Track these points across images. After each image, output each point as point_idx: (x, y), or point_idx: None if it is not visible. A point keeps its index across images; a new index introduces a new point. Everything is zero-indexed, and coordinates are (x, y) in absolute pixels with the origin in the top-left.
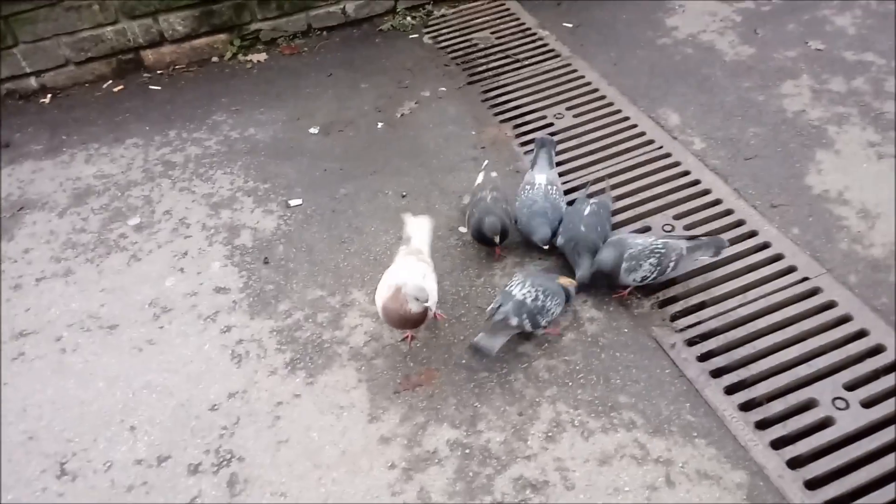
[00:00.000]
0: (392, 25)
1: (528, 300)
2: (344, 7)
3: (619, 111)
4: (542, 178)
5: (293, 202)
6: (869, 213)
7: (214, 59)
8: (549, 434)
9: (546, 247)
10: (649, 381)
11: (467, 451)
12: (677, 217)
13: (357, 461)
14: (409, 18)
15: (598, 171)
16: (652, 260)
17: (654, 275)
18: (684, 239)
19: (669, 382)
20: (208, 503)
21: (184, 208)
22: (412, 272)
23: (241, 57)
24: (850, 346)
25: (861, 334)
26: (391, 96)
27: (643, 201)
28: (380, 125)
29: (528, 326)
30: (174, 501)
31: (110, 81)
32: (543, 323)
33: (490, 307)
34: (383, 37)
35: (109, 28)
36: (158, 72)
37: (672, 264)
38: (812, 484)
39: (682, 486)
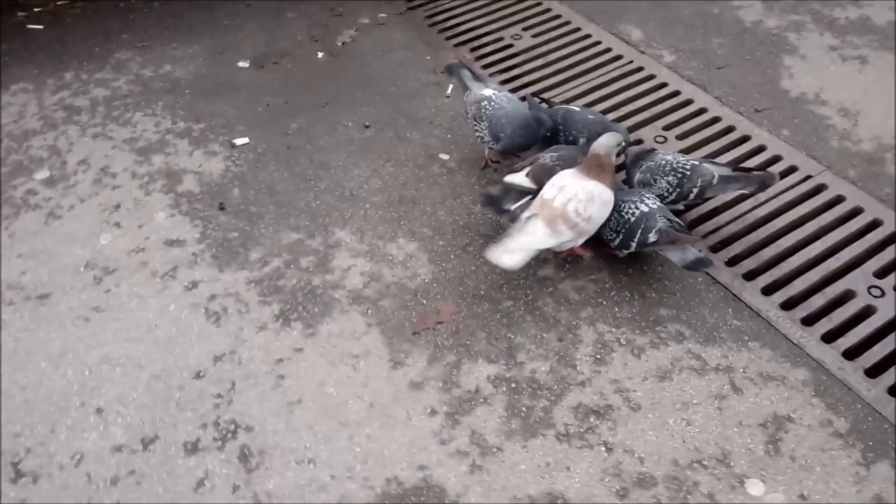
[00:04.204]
0: None
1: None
2: None
3: (578, 29)
4: (489, 91)
5: (238, 141)
6: (849, 111)
7: None
8: (598, 356)
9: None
10: (684, 291)
11: (513, 385)
12: (666, 128)
13: (390, 412)
14: None
15: (572, 89)
16: (670, 178)
17: (672, 196)
18: (728, 167)
19: (705, 290)
20: (220, 484)
21: (103, 156)
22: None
23: None
24: (868, 236)
25: (875, 224)
26: (325, 25)
27: (629, 114)
28: (320, 55)
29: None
30: (177, 488)
31: None
32: None
33: (651, 230)
34: None
35: None
36: (36, 9)
37: (696, 190)
38: (872, 371)
39: (749, 391)
